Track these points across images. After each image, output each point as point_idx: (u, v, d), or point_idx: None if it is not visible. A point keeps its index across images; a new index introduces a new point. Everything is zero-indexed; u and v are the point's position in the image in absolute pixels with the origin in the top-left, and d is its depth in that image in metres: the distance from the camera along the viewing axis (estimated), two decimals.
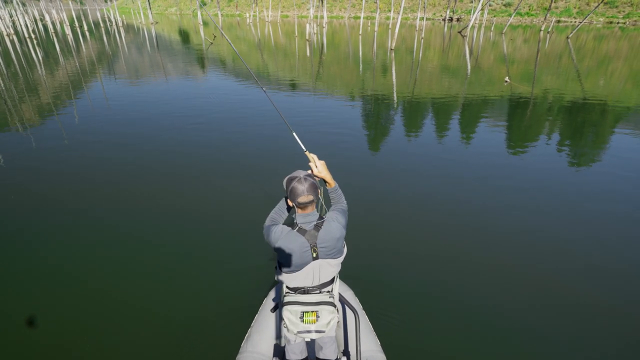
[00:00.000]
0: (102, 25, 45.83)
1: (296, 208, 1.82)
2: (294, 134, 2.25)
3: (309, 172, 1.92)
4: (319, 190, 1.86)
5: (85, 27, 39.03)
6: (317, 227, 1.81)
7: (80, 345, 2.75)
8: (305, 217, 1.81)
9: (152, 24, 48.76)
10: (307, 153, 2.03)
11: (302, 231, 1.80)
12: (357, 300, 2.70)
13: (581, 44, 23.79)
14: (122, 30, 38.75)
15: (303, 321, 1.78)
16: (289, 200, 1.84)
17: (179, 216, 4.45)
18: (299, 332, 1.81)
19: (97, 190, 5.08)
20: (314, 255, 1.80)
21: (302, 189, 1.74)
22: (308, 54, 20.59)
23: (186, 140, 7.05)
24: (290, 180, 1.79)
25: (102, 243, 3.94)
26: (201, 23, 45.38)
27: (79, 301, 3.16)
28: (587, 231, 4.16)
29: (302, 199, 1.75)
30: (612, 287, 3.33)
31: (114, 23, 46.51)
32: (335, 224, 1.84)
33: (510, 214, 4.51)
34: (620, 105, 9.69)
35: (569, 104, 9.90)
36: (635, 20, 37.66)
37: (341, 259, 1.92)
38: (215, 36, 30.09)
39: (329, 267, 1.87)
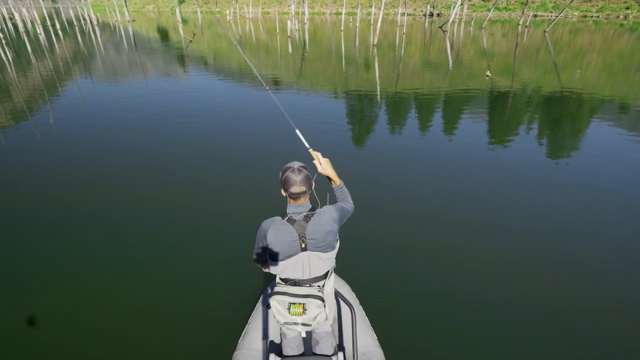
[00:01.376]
0: (76, 23, 44.29)
1: (288, 198, 1.85)
2: (297, 131, 2.19)
3: (315, 163, 1.96)
4: (313, 183, 1.86)
5: (58, 26, 37.64)
6: (307, 218, 1.82)
7: (78, 343, 2.74)
8: (296, 208, 1.83)
9: (128, 22, 47.41)
10: (310, 150, 2.03)
11: (291, 221, 1.81)
12: (354, 295, 2.68)
13: (557, 37, 24.40)
14: (97, 28, 37.55)
15: (290, 312, 1.79)
16: (282, 190, 1.86)
17: (175, 214, 4.43)
18: (285, 323, 1.83)
19: (85, 190, 4.97)
20: (303, 246, 1.81)
21: (295, 179, 1.77)
22: (290, 50, 20.42)
23: (173, 139, 6.89)
24: (285, 169, 1.81)
25: (100, 242, 3.93)
26: (180, 20, 44.43)
27: (76, 299, 3.15)
28: (570, 221, 4.24)
29: (294, 189, 1.78)
30: (592, 275, 3.41)
31: (88, 21, 45.02)
32: (326, 217, 1.85)
33: (502, 207, 4.57)
34: (595, 97, 9.97)
35: (547, 96, 10.12)
36: (607, 14, 38.88)
37: (332, 253, 1.90)
38: (194, 34, 29.52)
39: (320, 261, 1.86)
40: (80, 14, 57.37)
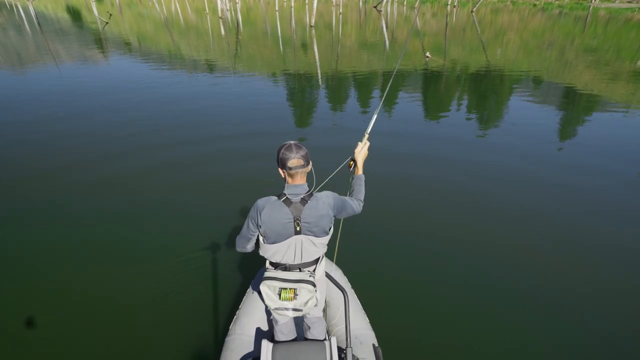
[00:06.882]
0: None
1: (287, 177, 1.81)
2: (375, 115, 2.32)
3: (359, 144, 2.15)
4: (310, 161, 1.84)
5: None
6: (304, 200, 1.79)
7: (68, 340, 2.67)
8: (294, 189, 1.80)
9: (29, 1, 41.25)
10: (366, 135, 2.22)
11: (287, 202, 1.79)
12: (346, 279, 2.67)
13: (481, 17, 26.07)
14: None
15: (280, 298, 1.79)
16: (280, 170, 1.82)
17: (160, 201, 4.32)
18: (276, 309, 1.83)
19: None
20: (297, 229, 1.79)
21: (292, 154, 1.74)
22: (223, 32, 19.32)
23: (126, 128, 6.15)
24: (281, 147, 1.79)
25: (82, 235, 3.79)
26: (93, 0, 39.69)
27: (65, 301, 3.03)
28: (499, 187, 4.57)
29: (293, 162, 1.74)
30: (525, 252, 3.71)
31: None
32: (322, 202, 1.82)
33: (472, 182, 4.74)
34: (515, 72, 10.84)
35: (474, 73, 10.78)
36: None
37: (325, 239, 1.89)
38: (111, 15, 26.62)
39: (313, 246, 1.85)
40: None
